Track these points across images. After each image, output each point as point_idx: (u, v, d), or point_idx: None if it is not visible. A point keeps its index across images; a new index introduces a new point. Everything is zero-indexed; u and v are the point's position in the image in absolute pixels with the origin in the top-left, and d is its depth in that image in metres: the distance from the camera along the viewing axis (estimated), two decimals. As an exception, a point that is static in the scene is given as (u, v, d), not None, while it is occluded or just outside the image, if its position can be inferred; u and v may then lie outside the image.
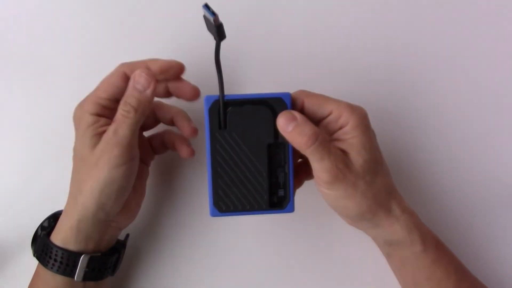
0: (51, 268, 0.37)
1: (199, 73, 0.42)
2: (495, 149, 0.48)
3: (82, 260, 0.37)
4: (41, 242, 0.38)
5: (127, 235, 0.44)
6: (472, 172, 0.48)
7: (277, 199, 0.38)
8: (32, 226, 0.46)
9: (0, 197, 0.48)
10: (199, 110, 0.43)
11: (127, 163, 0.37)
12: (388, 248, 0.40)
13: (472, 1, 0.49)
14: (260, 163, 0.38)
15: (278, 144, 0.38)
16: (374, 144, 0.37)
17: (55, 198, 0.46)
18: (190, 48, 0.49)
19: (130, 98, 0.37)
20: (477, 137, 0.48)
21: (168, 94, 0.41)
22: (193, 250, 0.47)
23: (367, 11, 0.49)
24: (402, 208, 0.38)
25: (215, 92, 0.37)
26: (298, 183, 0.41)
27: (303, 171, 0.40)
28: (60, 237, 0.38)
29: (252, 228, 0.47)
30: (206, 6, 0.33)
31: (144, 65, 0.38)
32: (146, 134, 0.44)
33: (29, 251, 0.45)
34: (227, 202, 0.38)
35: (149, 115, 0.39)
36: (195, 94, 0.41)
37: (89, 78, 0.48)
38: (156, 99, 0.43)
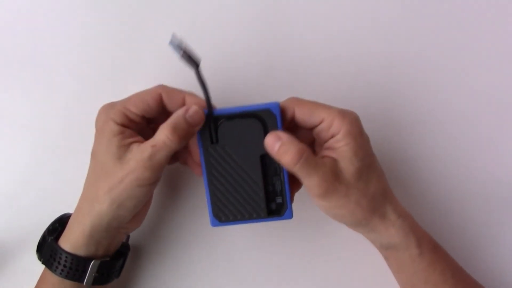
0: (60, 273, 0.37)
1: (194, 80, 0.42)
2: (495, 149, 0.48)
3: (92, 266, 0.37)
4: (49, 247, 0.38)
5: (128, 236, 0.44)
6: (471, 172, 0.47)
7: (275, 206, 0.39)
8: (32, 226, 0.46)
9: (0, 197, 0.47)
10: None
11: (154, 184, 0.37)
12: (385, 251, 0.41)
13: (466, 5, 0.49)
14: (255, 174, 0.38)
15: None
16: (366, 150, 0.37)
17: (55, 198, 0.47)
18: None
19: (180, 127, 0.36)
20: (477, 137, 0.48)
21: None
22: (193, 251, 0.47)
23: (361, 15, 0.49)
24: (397, 212, 0.38)
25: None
26: (296, 187, 0.41)
27: None
28: (70, 242, 0.38)
29: (253, 232, 0.47)
30: (173, 44, 0.34)
31: (182, 96, 0.38)
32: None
33: (29, 251, 0.45)
34: (226, 212, 0.39)
35: (155, 104, 0.38)
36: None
37: (89, 79, 0.49)
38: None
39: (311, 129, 0.38)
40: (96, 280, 0.38)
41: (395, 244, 0.39)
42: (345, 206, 0.37)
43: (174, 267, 0.47)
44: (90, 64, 0.49)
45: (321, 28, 0.49)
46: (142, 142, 0.37)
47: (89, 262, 0.37)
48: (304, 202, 0.42)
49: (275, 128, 0.37)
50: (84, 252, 0.37)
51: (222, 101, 0.46)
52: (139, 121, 0.38)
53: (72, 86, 0.49)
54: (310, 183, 0.36)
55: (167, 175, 0.48)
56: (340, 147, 0.36)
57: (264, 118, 0.37)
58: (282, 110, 0.37)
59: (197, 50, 0.47)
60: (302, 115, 0.37)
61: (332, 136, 0.36)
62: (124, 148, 0.36)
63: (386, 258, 0.42)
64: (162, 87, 0.38)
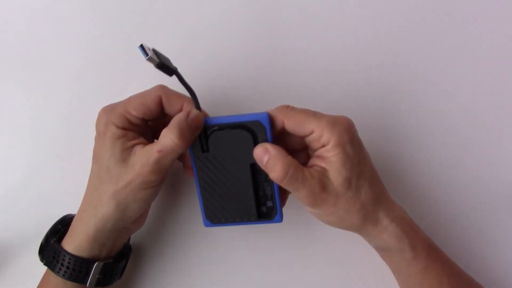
0: (63, 275, 0.37)
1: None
2: (494, 149, 0.48)
3: (96, 268, 0.38)
4: (52, 248, 0.38)
5: (129, 237, 0.45)
6: (471, 173, 0.48)
7: (266, 210, 0.40)
8: (32, 226, 0.46)
9: (0, 197, 0.47)
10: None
11: (159, 186, 0.37)
12: (381, 253, 0.41)
13: (463, 7, 0.49)
14: (245, 181, 0.39)
15: None
16: (357, 158, 0.37)
17: (55, 198, 0.47)
18: (191, 54, 0.49)
19: (186, 132, 0.36)
20: (477, 137, 0.48)
21: None
22: (192, 252, 0.47)
23: (357, 21, 0.49)
24: (391, 217, 0.38)
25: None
26: (288, 191, 0.40)
27: None
28: (74, 244, 0.38)
29: (252, 233, 0.48)
30: (141, 47, 0.33)
31: (182, 101, 0.38)
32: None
33: (30, 252, 0.46)
34: (218, 215, 0.40)
35: (156, 107, 0.38)
36: None
37: (89, 79, 0.48)
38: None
39: (302, 137, 0.38)
40: (99, 282, 0.38)
41: (388, 248, 0.39)
42: (335, 214, 0.37)
43: (174, 267, 0.47)
44: (91, 64, 0.49)
45: (317, 34, 0.49)
46: (144, 143, 0.37)
47: (92, 264, 0.38)
48: (298, 203, 0.41)
49: (264, 139, 0.37)
50: (88, 254, 0.38)
51: (216, 107, 0.47)
52: (139, 123, 0.38)
53: (73, 86, 0.49)
54: (298, 195, 0.37)
55: (168, 176, 0.47)
56: (329, 157, 0.36)
57: (254, 129, 0.37)
58: (272, 121, 0.37)
59: (193, 55, 0.48)
60: (291, 126, 0.37)
61: (323, 146, 0.37)
62: (128, 151, 0.37)
63: (383, 258, 0.42)
64: (162, 89, 0.38)
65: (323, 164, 0.37)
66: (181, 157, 0.41)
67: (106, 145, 0.37)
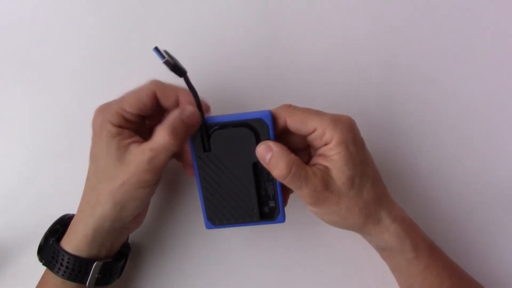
0: (62, 275, 0.37)
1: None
2: (495, 149, 0.48)
3: (95, 267, 0.38)
4: (51, 248, 0.38)
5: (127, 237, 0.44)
6: (471, 173, 0.48)
7: (268, 210, 0.40)
8: (32, 226, 0.46)
9: (0, 197, 0.47)
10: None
11: (155, 185, 0.37)
12: (382, 253, 0.41)
13: (463, 7, 0.49)
14: (247, 181, 0.39)
15: None
16: (360, 157, 0.37)
17: (55, 198, 0.47)
18: (191, 54, 0.49)
19: (179, 130, 0.36)
20: (477, 138, 0.48)
21: None
22: (192, 252, 0.47)
23: (359, 20, 0.49)
24: (392, 217, 0.38)
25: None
26: (290, 190, 0.41)
27: None
28: (73, 244, 0.37)
29: (252, 233, 0.48)
30: (156, 50, 0.33)
31: (176, 93, 0.38)
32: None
33: (29, 252, 0.45)
34: (219, 216, 0.40)
35: (151, 101, 0.38)
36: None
37: (89, 79, 0.48)
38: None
39: (305, 136, 0.38)
40: (99, 281, 0.38)
41: (390, 247, 0.39)
42: (337, 213, 0.37)
43: (174, 267, 0.47)
44: (90, 64, 0.49)
45: (319, 32, 0.49)
46: (140, 142, 0.37)
47: (91, 264, 0.38)
48: (300, 203, 0.41)
49: (267, 137, 0.37)
50: (87, 253, 0.38)
51: (217, 106, 0.46)
52: (135, 120, 0.38)
53: (73, 86, 0.49)
54: (301, 194, 0.37)
55: (167, 176, 0.48)
56: (332, 156, 0.36)
57: (256, 127, 0.37)
58: (274, 119, 0.37)
59: (194, 54, 0.48)
60: (294, 124, 0.37)
61: (325, 144, 0.36)
62: (123, 150, 0.36)
63: (384, 258, 0.42)
64: (156, 83, 0.38)
65: (325, 163, 0.36)
66: (180, 157, 0.41)
67: (102, 144, 0.36)
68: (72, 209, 0.41)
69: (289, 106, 0.37)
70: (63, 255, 0.37)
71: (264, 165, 0.37)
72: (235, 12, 0.49)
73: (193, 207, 0.47)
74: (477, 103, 0.48)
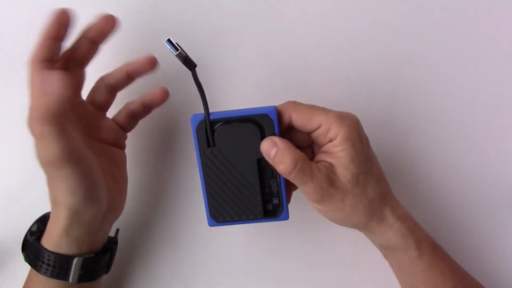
0: (45, 273, 0.37)
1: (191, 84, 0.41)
2: (495, 149, 0.48)
3: (76, 263, 0.37)
4: (32, 247, 0.38)
5: (117, 230, 0.44)
6: (471, 173, 0.47)
7: (272, 207, 0.39)
8: (32, 226, 0.47)
9: (0, 197, 0.48)
10: (186, 128, 0.46)
11: (79, 166, 0.34)
12: (385, 251, 0.41)
13: (464, 6, 0.48)
14: (252, 177, 0.38)
15: None
16: (364, 155, 0.37)
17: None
18: (192, 54, 0.48)
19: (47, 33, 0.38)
20: (477, 138, 0.48)
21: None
22: (190, 249, 0.47)
23: (360, 18, 0.48)
24: (396, 215, 0.38)
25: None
26: (293, 187, 0.41)
27: None
28: (51, 241, 0.37)
29: (251, 230, 0.47)
30: (169, 42, 0.34)
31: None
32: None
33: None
34: (223, 213, 0.39)
35: (121, 74, 0.39)
36: (165, 94, 0.42)
37: (88, 79, 0.48)
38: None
39: (309, 133, 0.37)
40: (82, 277, 0.38)
41: (393, 245, 0.39)
42: (341, 210, 0.37)
43: (170, 264, 0.47)
44: (90, 64, 0.48)
45: (322, 30, 0.48)
46: None
47: (72, 260, 0.37)
48: (303, 201, 0.41)
49: (272, 133, 0.37)
50: (66, 250, 0.37)
51: (222, 103, 0.48)
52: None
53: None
54: (306, 190, 0.36)
55: (166, 172, 0.48)
56: (337, 153, 0.36)
57: (261, 123, 0.37)
58: (279, 115, 0.37)
59: (198, 51, 0.48)
60: (299, 120, 0.37)
61: (330, 141, 0.36)
62: None
63: (386, 257, 0.41)
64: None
65: (330, 160, 0.36)
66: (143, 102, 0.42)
67: None
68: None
69: (294, 102, 0.38)
70: (43, 253, 0.37)
71: (269, 160, 0.37)
72: (235, 13, 0.49)
73: (191, 204, 0.47)
74: (479, 103, 0.48)
